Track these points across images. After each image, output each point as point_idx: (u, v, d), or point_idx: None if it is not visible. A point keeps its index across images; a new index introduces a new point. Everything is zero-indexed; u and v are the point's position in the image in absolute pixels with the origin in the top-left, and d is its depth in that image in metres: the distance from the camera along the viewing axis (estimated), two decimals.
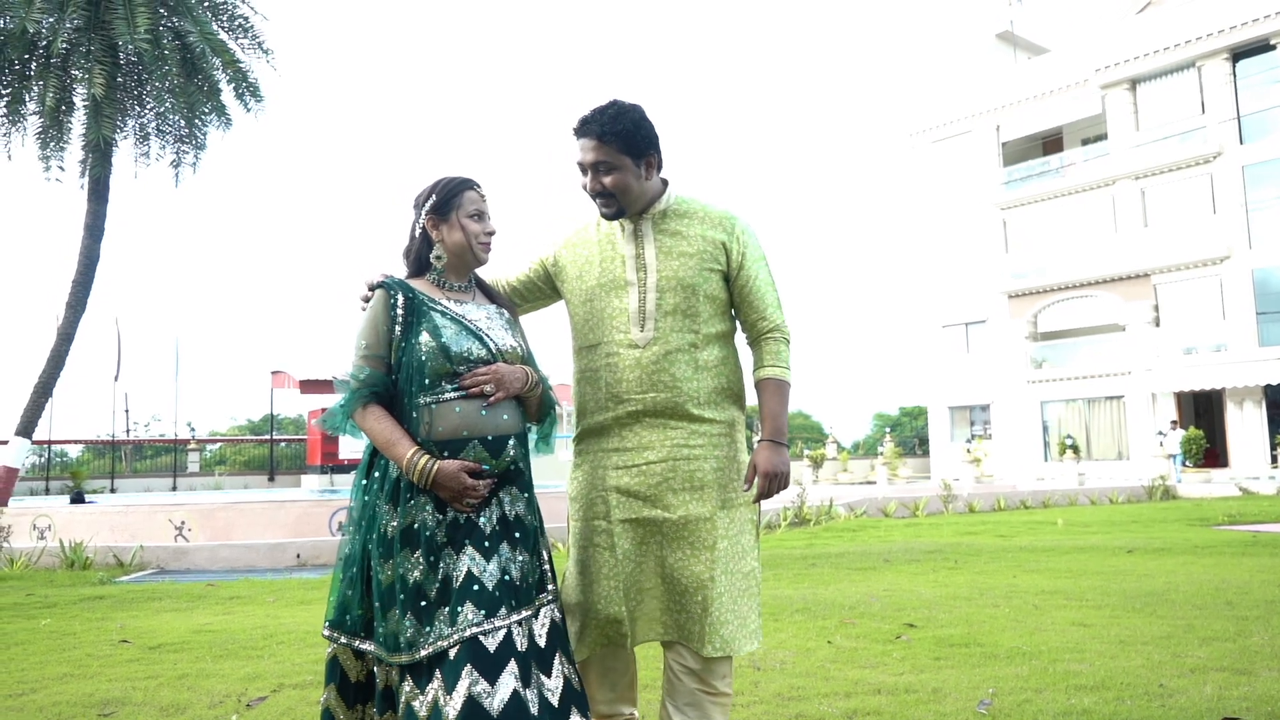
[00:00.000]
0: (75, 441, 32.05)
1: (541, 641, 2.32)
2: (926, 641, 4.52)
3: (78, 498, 19.28)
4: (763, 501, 2.58)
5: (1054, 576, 6.83)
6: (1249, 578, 6.52)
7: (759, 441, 2.57)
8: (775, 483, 2.52)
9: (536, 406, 2.51)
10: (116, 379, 30.54)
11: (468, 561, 2.26)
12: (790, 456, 2.67)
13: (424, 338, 2.34)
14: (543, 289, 2.81)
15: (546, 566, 2.46)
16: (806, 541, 10.73)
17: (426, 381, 2.33)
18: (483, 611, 2.20)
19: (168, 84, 15.19)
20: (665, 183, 2.68)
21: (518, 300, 2.81)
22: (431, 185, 2.48)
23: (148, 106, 16.03)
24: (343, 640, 2.35)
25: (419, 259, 2.50)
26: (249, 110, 16.41)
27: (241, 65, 16.05)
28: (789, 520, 13.29)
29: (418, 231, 2.49)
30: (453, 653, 2.16)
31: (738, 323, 2.71)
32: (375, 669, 2.33)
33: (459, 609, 2.20)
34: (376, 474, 2.37)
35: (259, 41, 16.29)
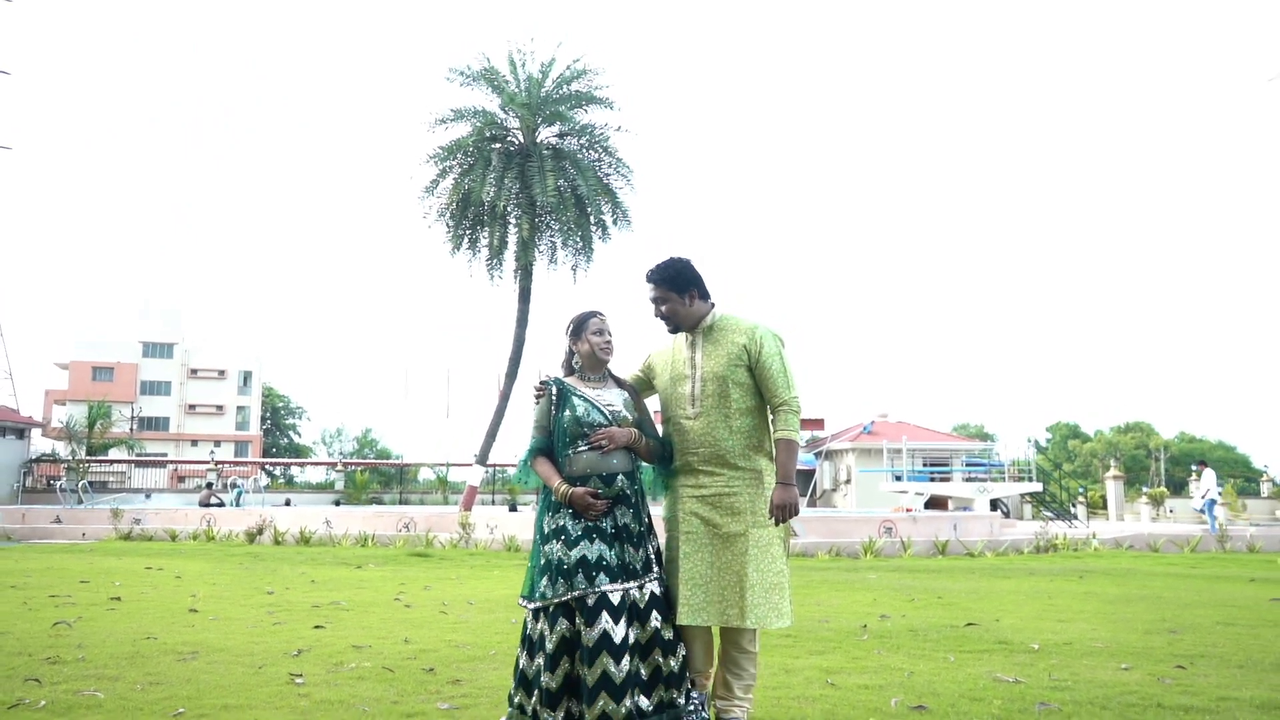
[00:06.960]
0: (512, 465, 40.70)
1: (642, 604, 3.23)
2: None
3: (513, 507, 26.55)
4: (791, 523, 3.48)
5: (1093, 582, 9.27)
6: None
7: (777, 484, 3.40)
8: (784, 512, 3.36)
9: (646, 453, 3.46)
10: None
11: (594, 549, 3.19)
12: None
13: (567, 413, 3.35)
14: (645, 380, 3.80)
15: (652, 556, 3.36)
16: (1002, 562, 13.15)
17: (568, 439, 3.35)
18: (606, 579, 3.13)
19: (567, 220, 21.71)
20: (712, 305, 3.61)
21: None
22: (571, 318, 3.51)
23: (554, 232, 22.73)
24: (528, 606, 3.26)
25: (568, 363, 3.54)
26: (617, 226, 22.73)
27: (618, 197, 22.29)
28: (1036, 547, 15.25)
29: (566, 346, 3.53)
30: (591, 599, 3.11)
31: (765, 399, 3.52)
32: (546, 628, 3.15)
33: (593, 575, 3.12)
34: (543, 496, 3.39)
35: (629, 179, 22.53)
